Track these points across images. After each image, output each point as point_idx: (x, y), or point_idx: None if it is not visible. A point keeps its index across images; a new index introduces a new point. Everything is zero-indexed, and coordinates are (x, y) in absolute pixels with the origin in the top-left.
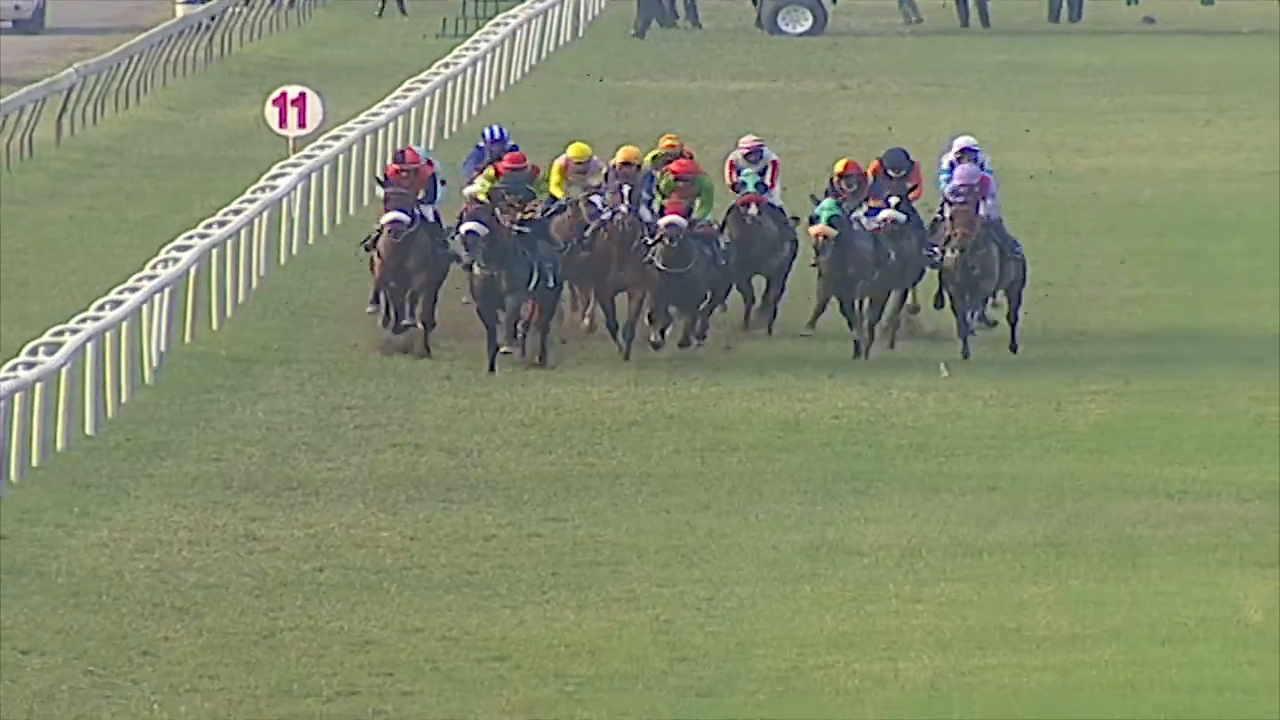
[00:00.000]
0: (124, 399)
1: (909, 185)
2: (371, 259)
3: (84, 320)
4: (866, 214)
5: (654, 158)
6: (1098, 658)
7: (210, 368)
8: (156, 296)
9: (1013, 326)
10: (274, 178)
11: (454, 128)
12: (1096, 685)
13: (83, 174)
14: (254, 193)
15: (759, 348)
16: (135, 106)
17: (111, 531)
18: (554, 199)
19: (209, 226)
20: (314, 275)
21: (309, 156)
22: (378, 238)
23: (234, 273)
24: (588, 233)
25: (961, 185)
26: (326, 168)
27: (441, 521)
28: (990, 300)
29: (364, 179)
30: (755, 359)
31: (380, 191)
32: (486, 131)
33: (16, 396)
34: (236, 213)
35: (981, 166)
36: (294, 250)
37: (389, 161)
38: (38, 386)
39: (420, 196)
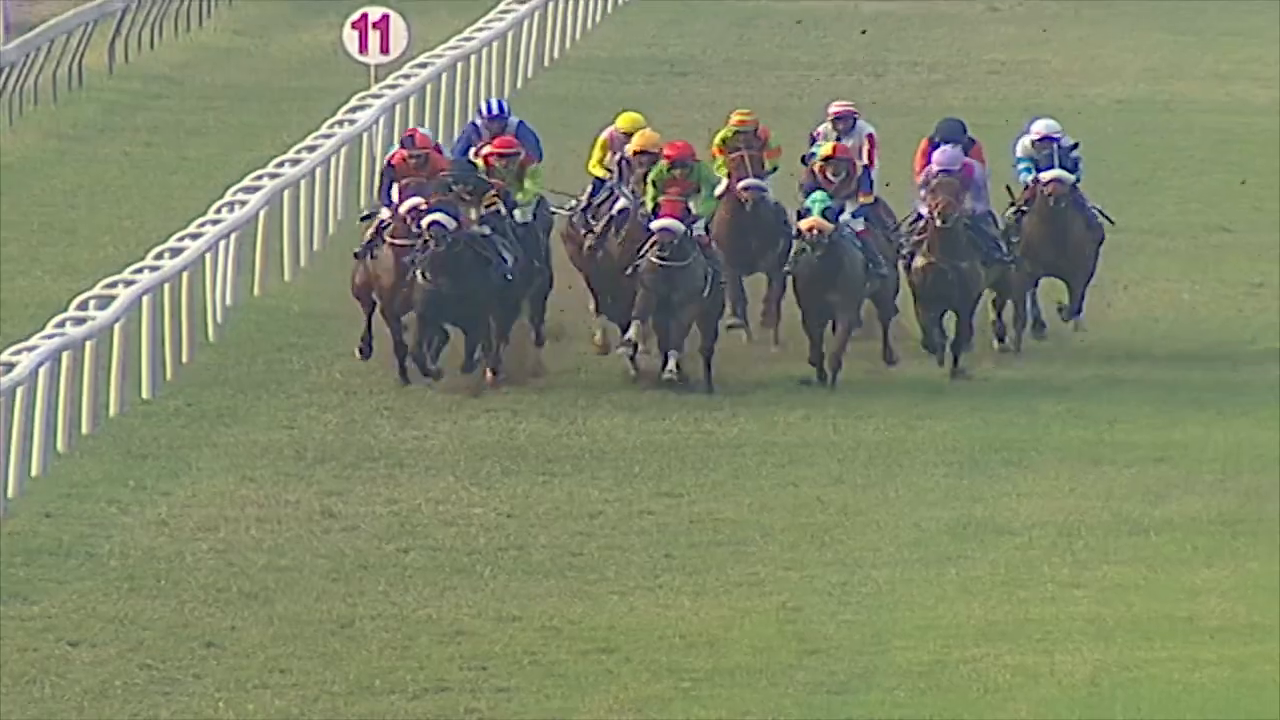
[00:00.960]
0: (184, 359)
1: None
2: (360, 275)
3: (139, 271)
4: (855, 214)
5: (723, 140)
6: (1278, 650)
7: (281, 324)
8: (221, 244)
9: (956, 349)
10: (353, 110)
11: (555, 54)
12: (1277, 681)
13: (138, 106)
14: (330, 127)
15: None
16: (197, 31)
17: (170, 508)
18: (598, 182)
19: (280, 165)
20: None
21: (392, 87)
22: (383, 244)
23: (308, 218)
24: (597, 230)
25: (941, 171)
26: (412, 99)
27: (541, 497)
28: (1032, 299)
29: (454, 112)
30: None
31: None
32: (484, 105)
33: (64, 356)
34: (311, 149)
35: (1062, 159)
36: (375, 192)
37: (395, 146)
38: (88, 345)
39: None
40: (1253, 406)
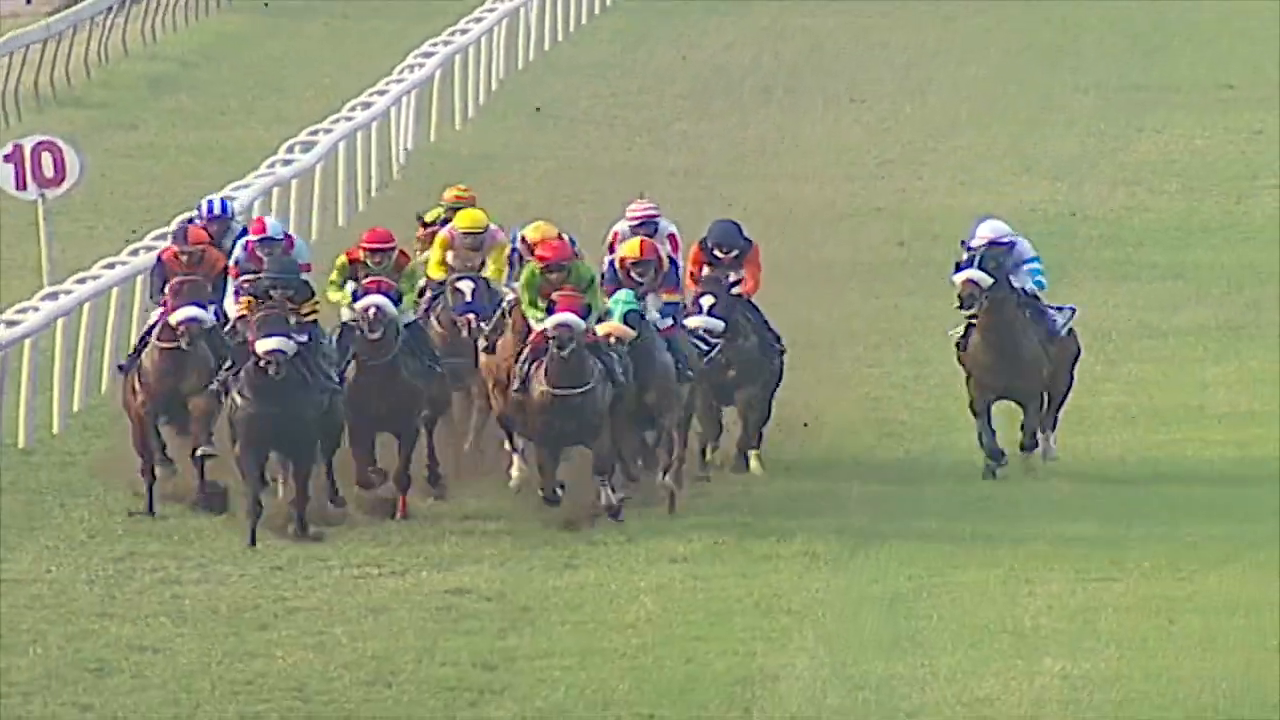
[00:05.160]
0: (373, 194)
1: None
2: (127, 390)
3: (337, 120)
4: (661, 311)
5: (428, 222)
6: (1276, 433)
7: (453, 165)
8: (404, 99)
9: (745, 449)
10: None
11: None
12: (1275, 458)
13: None
14: (494, 2)
15: (957, 148)
16: None
17: None
18: (437, 286)
19: (451, 34)
20: (550, 79)
21: None
22: (147, 349)
23: (475, 76)
24: (487, 336)
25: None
26: None
27: None
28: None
29: None
30: (955, 157)
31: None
32: (203, 204)
33: (275, 191)
34: (477, 21)
35: (982, 260)
36: (530, 55)
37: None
38: (294, 184)
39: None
40: (1254, 232)
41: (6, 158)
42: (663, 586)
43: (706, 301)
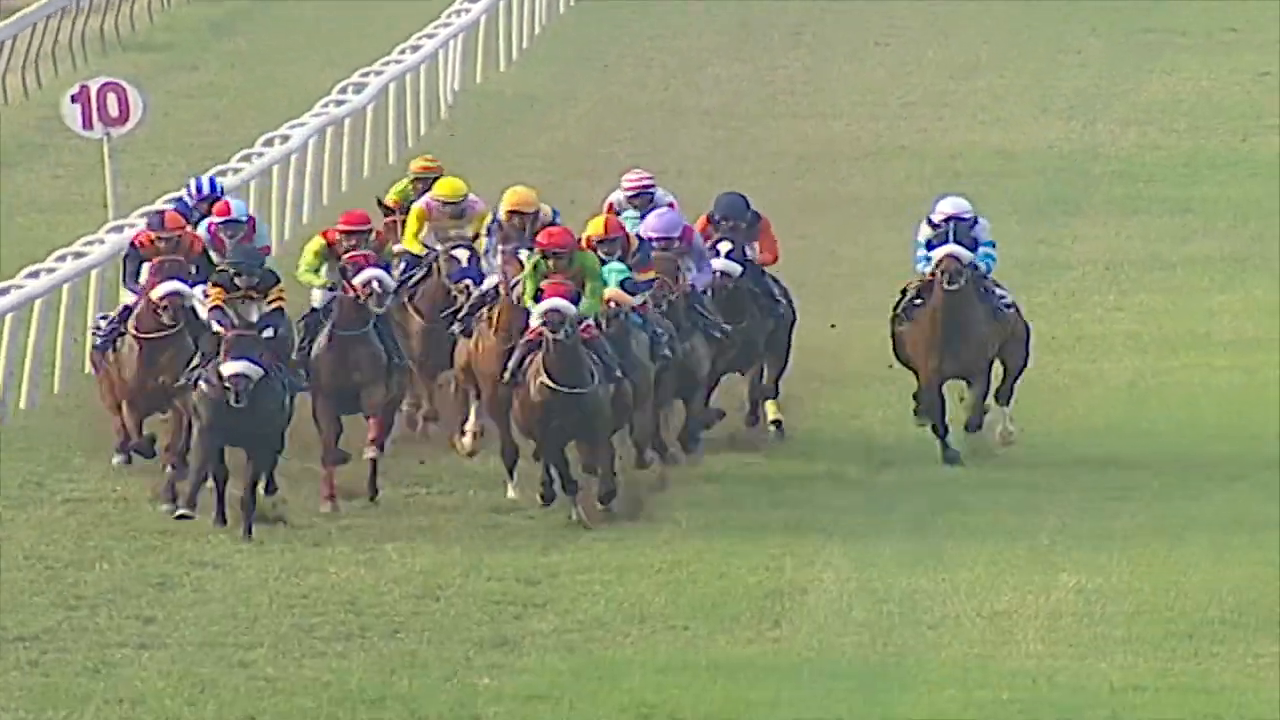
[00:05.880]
0: (422, 132)
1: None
2: (104, 377)
3: (387, 63)
4: (632, 288)
5: (398, 193)
6: (1278, 359)
7: (498, 105)
8: (451, 42)
9: (760, 399)
10: None
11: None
12: (1278, 383)
13: None
14: None
15: (976, 89)
16: None
17: None
18: (412, 259)
19: None
20: (591, 23)
21: None
22: (125, 335)
23: (517, 21)
24: (461, 317)
25: (658, 240)
26: None
27: None
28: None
29: None
30: (975, 98)
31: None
32: (192, 183)
33: (328, 131)
34: None
35: (959, 235)
36: (571, 1)
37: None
38: (346, 122)
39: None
40: (1259, 169)
41: (73, 98)
42: (696, 504)
43: (724, 246)
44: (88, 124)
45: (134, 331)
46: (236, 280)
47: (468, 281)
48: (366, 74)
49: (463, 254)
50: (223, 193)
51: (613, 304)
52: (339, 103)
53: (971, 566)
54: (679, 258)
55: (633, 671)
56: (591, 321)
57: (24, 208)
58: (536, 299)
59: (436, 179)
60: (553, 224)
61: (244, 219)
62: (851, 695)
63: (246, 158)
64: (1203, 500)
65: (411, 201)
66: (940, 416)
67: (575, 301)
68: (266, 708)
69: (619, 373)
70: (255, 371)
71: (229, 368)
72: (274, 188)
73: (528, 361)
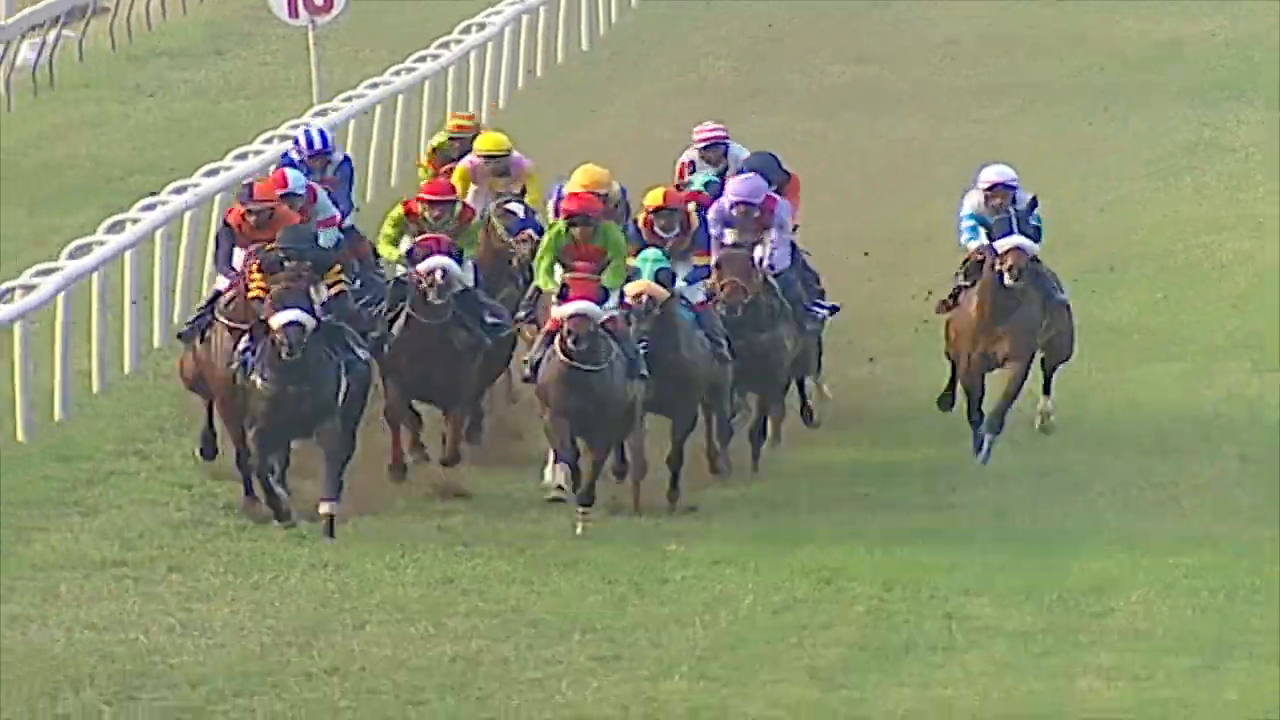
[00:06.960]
0: (614, 21)
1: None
2: (189, 363)
3: (422, 59)
4: (690, 279)
5: (434, 150)
6: None
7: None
8: (507, 29)
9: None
10: None
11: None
12: None
13: None
14: None
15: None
16: None
17: None
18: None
19: None
20: None
21: None
22: (216, 323)
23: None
24: (528, 296)
25: (736, 204)
26: None
27: None
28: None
29: None
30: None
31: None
32: (301, 135)
33: (378, 109)
34: None
35: (1021, 220)
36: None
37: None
38: (541, 10)
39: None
40: None
41: None
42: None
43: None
44: (294, 12)
45: (226, 320)
46: (285, 264)
47: (529, 232)
48: (397, 72)
49: (517, 206)
50: (332, 146)
51: (644, 297)
52: (374, 85)
53: (1139, 441)
54: (758, 234)
55: (815, 538)
56: (618, 316)
57: (232, 93)
58: (562, 295)
59: (474, 137)
60: (622, 203)
61: (301, 191)
62: (1021, 560)
63: (445, 45)
64: None
65: (452, 159)
66: (978, 403)
67: (600, 302)
68: (464, 571)
69: (642, 370)
70: (308, 320)
71: (279, 318)
72: (470, 74)
73: (547, 352)
